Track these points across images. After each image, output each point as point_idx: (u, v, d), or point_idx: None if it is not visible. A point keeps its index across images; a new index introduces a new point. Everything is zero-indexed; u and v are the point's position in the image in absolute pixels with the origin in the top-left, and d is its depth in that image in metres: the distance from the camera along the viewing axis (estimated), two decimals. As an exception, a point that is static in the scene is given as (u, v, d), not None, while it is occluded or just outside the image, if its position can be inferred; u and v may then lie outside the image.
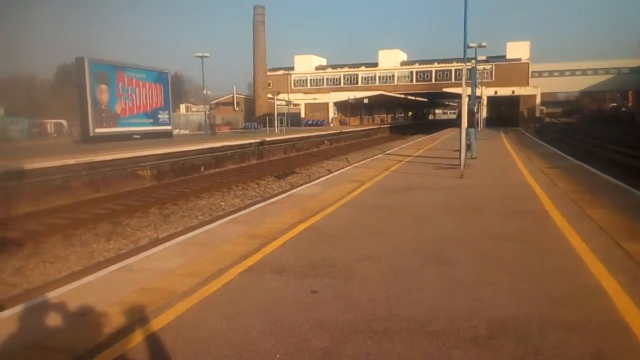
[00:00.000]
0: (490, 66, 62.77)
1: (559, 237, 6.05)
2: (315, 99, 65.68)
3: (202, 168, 20.19)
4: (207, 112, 43.22)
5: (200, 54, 42.20)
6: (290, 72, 74.53)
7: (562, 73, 70.50)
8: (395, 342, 3.34)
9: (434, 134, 39.39)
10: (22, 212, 11.45)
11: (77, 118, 26.83)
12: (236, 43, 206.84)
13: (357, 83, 71.59)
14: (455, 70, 64.05)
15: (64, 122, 43.30)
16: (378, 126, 59.08)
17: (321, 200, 9.08)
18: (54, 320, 3.87)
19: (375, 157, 19.67)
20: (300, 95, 66.92)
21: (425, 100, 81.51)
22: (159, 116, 29.86)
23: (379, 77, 71.23)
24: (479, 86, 41.15)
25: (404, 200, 8.98)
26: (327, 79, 73.65)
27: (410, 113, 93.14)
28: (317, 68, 76.05)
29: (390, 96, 66.68)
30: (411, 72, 70.00)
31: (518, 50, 63.79)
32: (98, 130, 24.72)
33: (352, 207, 8.48)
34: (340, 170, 15.02)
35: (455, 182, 11.11)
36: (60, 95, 48.45)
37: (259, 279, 4.74)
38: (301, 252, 5.62)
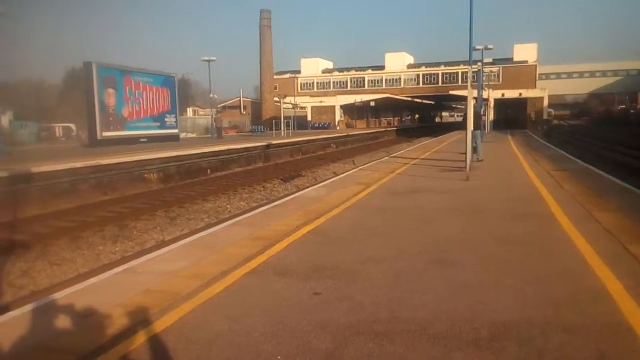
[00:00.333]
0: (498, 69, 62.56)
1: (564, 240, 6.01)
2: (322, 102, 65.78)
3: (209, 171, 20.26)
4: (214, 116, 43.38)
5: (207, 58, 42.47)
6: (297, 75, 74.68)
7: (570, 75, 70.13)
8: (397, 344, 3.33)
9: (441, 136, 39.28)
10: (30, 215, 11.54)
11: (85, 122, 27.02)
12: (243, 47, 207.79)
13: (364, 86, 71.59)
14: (462, 73, 63.83)
15: (72, 126, 43.68)
16: (385, 129, 59.03)
17: (326, 202, 9.09)
18: (59, 321, 3.90)
19: (382, 159, 19.65)
20: (307, 99, 67.01)
21: (432, 103, 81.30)
22: (166, 120, 30.02)
23: (386, 80, 71.18)
24: (486, 89, 41.10)
25: (409, 203, 8.96)
26: (334, 82, 73.72)
27: (417, 116, 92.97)
28: (323, 71, 76.15)
29: (397, 99, 66.61)
30: (418, 75, 69.91)
31: (525, 52, 63.54)
32: (106, 134, 24.90)
33: (357, 209, 8.48)
34: (347, 173, 15.02)
35: (461, 184, 11.07)
36: (68, 99, 48.86)
37: (263, 281, 4.75)
38: (305, 254, 5.63)
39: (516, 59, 64.00)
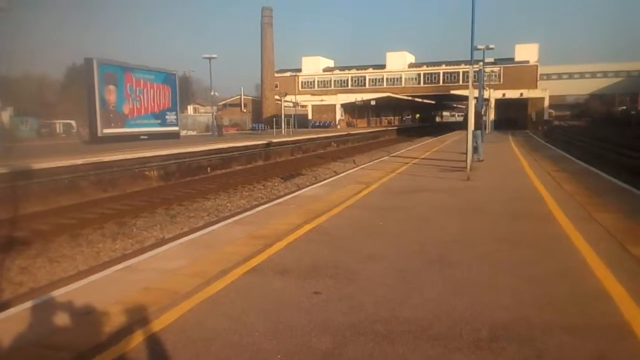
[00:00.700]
0: (499, 68, 62.52)
1: (564, 240, 6.01)
2: (322, 100, 65.77)
3: (209, 169, 20.25)
4: (214, 113, 43.40)
5: (208, 56, 42.41)
6: (298, 73, 74.64)
7: (571, 76, 70.10)
8: (397, 344, 3.33)
9: (441, 136, 39.27)
10: (30, 212, 11.54)
11: (86, 119, 27.02)
12: (244, 45, 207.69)
13: (364, 85, 71.57)
14: (463, 72, 63.83)
15: (72, 122, 43.65)
16: (385, 128, 59.03)
17: (327, 201, 9.08)
18: (58, 318, 3.89)
19: (382, 159, 19.64)
20: (308, 97, 67.03)
21: (433, 102, 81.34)
22: (167, 117, 30.01)
23: (387, 79, 71.16)
24: (487, 88, 41.05)
25: (409, 202, 8.96)
26: (335, 80, 73.70)
27: (417, 115, 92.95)
28: (324, 70, 76.12)
29: (397, 98, 66.63)
30: (419, 74, 69.88)
31: (526, 52, 63.50)
32: (106, 130, 24.89)
33: (357, 208, 8.47)
34: (347, 172, 15.02)
35: (461, 184, 11.07)
36: (69, 95, 48.78)
37: (263, 279, 4.75)
38: (305, 253, 5.62)
39: (517, 58, 63.96)
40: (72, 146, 23.95)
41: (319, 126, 59.22)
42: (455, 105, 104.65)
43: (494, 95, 53.04)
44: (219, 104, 63.82)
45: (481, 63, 34.67)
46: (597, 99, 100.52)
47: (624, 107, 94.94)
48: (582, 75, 70.07)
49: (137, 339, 3.48)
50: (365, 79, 72.13)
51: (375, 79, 71.72)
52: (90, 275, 5.18)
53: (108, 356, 3.25)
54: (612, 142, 33.18)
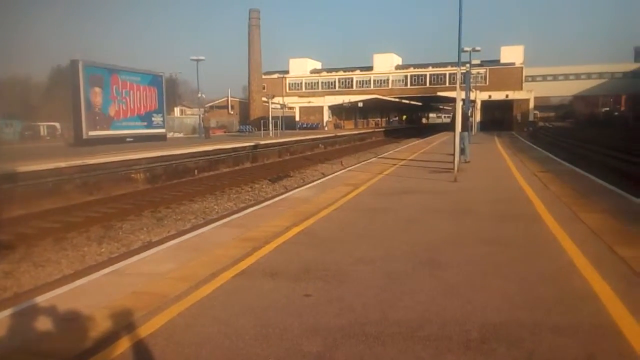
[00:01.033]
0: (485, 70, 63.10)
1: (551, 241, 6.06)
2: (310, 102, 65.81)
3: (196, 171, 20.13)
4: (201, 115, 43.13)
5: (195, 58, 42.14)
6: (285, 75, 74.60)
7: (555, 77, 70.93)
8: (388, 346, 3.32)
9: (428, 137, 39.47)
10: (14, 215, 11.35)
11: (71, 121, 26.69)
12: (231, 46, 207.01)
13: (351, 87, 71.77)
14: (450, 74, 64.27)
15: (57, 124, 43.09)
16: (372, 130, 59.19)
17: (315, 203, 9.07)
18: (43, 324, 3.82)
19: (370, 160, 19.68)
20: (295, 99, 67.02)
21: (420, 104, 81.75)
22: (153, 119, 29.77)
23: (374, 80, 71.43)
24: (473, 90, 41.37)
25: (397, 204, 8.98)
26: (322, 82, 73.79)
27: (404, 117, 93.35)
28: (312, 72, 76.16)
29: (384, 100, 66.88)
30: (406, 76, 70.26)
31: (512, 54, 64.14)
32: (91, 133, 24.62)
33: (346, 210, 8.47)
34: (335, 174, 15.01)
35: (449, 185, 11.13)
36: (54, 97, 48.18)
37: (252, 282, 4.71)
38: (294, 255, 5.60)
39: (503, 60, 64.59)
40: (57, 149, 23.62)
41: (306, 128, 59.24)
42: (441, 106, 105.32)
43: (480, 96, 53.49)
44: (206, 105, 63.46)
45: (468, 65, 34.93)
46: (581, 100, 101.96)
47: (608, 109, 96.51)
48: (566, 76, 70.95)
49: (125, 344, 3.43)
50: (352, 81, 72.32)
51: (363, 81, 71.95)
52: (76, 279, 5.11)
53: (95, 362, 3.20)
54: (596, 143, 33.64)
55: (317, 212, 8.15)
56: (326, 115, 65.57)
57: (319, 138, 37.73)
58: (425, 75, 68.93)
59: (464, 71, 28.84)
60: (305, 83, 74.50)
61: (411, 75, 69.98)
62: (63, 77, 39.77)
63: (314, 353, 3.26)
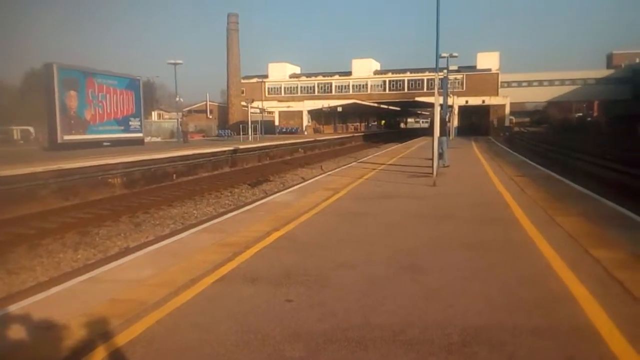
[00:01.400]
0: (462, 76, 63.97)
1: (529, 244, 6.15)
2: (289, 106, 65.76)
3: (174, 176, 19.90)
4: (179, 120, 42.71)
5: (173, 61, 41.76)
6: (264, 79, 74.42)
7: (530, 83, 72.19)
8: (370, 351, 3.32)
9: (407, 142, 39.81)
10: (-14, 222, 11.05)
11: (45, 125, 26.16)
12: (209, 51, 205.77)
13: (331, 91, 71.97)
14: (428, 79, 65.04)
15: (30, 128, 42.18)
16: (352, 134, 59.40)
17: (296, 208, 9.04)
18: (16, 334, 3.72)
19: (350, 165, 19.74)
20: (274, 103, 66.90)
21: (398, 109, 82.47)
22: (130, 123, 29.37)
23: (353, 85, 71.77)
24: (451, 95, 41.84)
25: (378, 209, 9.01)
26: (301, 87, 73.84)
27: (383, 122, 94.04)
28: (291, 76, 76.17)
29: (363, 105, 67.25)
30: (384, 81, 70.79)
31: (488, 60, 65.22)
32: (67, 137, 24.16)
33: (327, 215, 8.47)
34: (315, 178, 15.01)
35: (428, 190, 11.22)
36: (27, 101, 47.21)
37: (233, 288, 4.67)
38: (276, 260, 5.57)
39: (479, 66, 65.61)
40: (31, 153, 23.11)
41: (286, 132, 59.13)
42: (419, 111, 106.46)
43: (457, 102, 54.15)
44: (184, 110, 62.87)
45: (445, 71, 35.34)
46: (555, 106, 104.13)
47: (581, 114, 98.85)
48: (540, 83, 72.28)
49: (102, 353, 3.36)
50: (331, 86, 72.54)
51: (342, 86, 72.24)
52: (52, 287, 4.98)
53: (72, 372, 3.12)
54: (569, 147, 34.38)
55: (298, 217, 8.13)
56: (305, 120, 65.58)
57: (299, 142, 37.70)
58: (404, 81, 69.57)
59: (442, 77, 29.14)
60: (285, 87, 74.47)
61: (389, 81, 70.55)
62: (37, 80, 39.04)
63: (296, 358, 3.24)
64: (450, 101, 39.16)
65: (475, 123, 59.55)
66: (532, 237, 6.49)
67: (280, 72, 75.21)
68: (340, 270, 5.15)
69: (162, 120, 65.64)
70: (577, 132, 65.98)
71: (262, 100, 58.84)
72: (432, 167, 12.66)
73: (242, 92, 64.46)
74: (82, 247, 9.61)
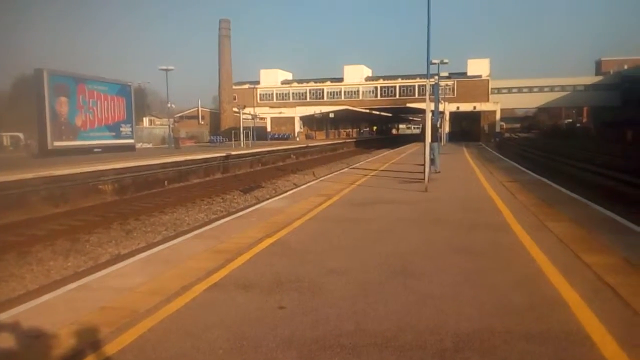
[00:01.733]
0: (452, 82, 64.33)
1: (520, 249, 6.18)
2: (281, 113, 65.76)
3: (166, 182, 19.82)
4: (171, 126, 42.56)
5: (164, 67, 41.66)
6: (256, 86, 74.39)
7: (520, 90, 72.73)
8: (363, 357, 3.31)
9: (399, 148, 39.94)
10: (-26, 229, 10.93)
11: (35, 131, 25.96)
12: (201, 56, 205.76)
13: (322, 98, 72.10)
14: (419, 85, 65.37)
15: (20, 135, 41.82)
16: (344, 140, 59.53)
17: (288, 214, 9.03)
18: (5, 342, 3.67)
19: (342, 171, 19.76)
20: (266, 109, 66.88)
21: (390, 115, 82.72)
22: (122, 129, 29.23)
23: (345, 92, 71.96)
24: (442, 102, 42.09)
25: (370, 214, 9.02)
26: (293, 93, 73.93)
27: (375, 127, 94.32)
28: (283, 82, 76.24)
29: (355, 111, 67.39)
30: (376, 88, 71.04)
31: (478, 67, 65.68)
32: (57, 143, 24.00)
33: (319, 221, 8.46)
34: (307, 184, 15.01)
35: (420, 195, 11.25)
36: (17, 107, 46.82)
37: (225, 295, 4.64)
38: (268, 267, 5.55)
39: (470, 73, 66.03)
40: (21, 160, 22.92)
41: (278, 138, 59.12)
42: (411, 117, 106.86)
43: (448, 108, 54.45)
44: (176, 116, 62.66)
45: (437, 77, 35.56)
46: (545, 112, 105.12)
47: (570, 120, 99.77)
48: (530, 89, 72.86)
49: (94, 361, 3.32)
50: (323, 92, 72.69)
51: (333, 92, 72.40)
52: (41, 295, 4.93)
53: (62, 381, 3.09)
54: (559, 153, 34.67)
55: (290, 223, 8.12)
56: (297, 126, 65.61)
57: (291, 148, 37.71)
58: (395, 87, 69.87)
59: (433, 83, 29.36)
60: (277, 94, 74.51)
61: (381, 87, 70.81)
62: (27, 86, 38.72)
63: (289, 366, 3.22)
64: (441, 107, 39.40)
65: (467, 129, 59.93)
66: (524, 242, 6.53)
67: (272, 79, 75.27)
68: (332, 277, 5.14)
69: (154, 126, 65.29)
70: (566, 138, 66.51)
71: (254, 107, 58.83)
72: (424, 172, 12.70)
73: (234, 98, 64.43)
74: (72, 254, 9.53)
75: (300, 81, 76.70)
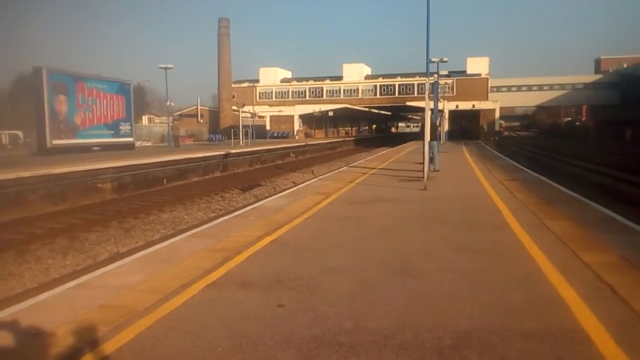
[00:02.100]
0: (452, 81, 64.28)
1: (519, 248, 6.19)
2: (280, 111, 65.70)
3: (165, 181, 19.81)
4: (170, 124, 42.53)
5: (164, 66, 41.61)
6: (256, 84, 74.37)
7: (519, 88, 72.66)
8: (362, 355, 3.32)
9: (398, 146, 39.92)
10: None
11: (34, 129, 25.94)
12: (201, 55, 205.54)
13: (322, 96, 72.04)
14: (418, 84, 65.35)
15: (19, 133, 41.77)
16: (343, 139, 59.51)
17: (287, 212, 9.03)
18: (4, 341, 3.67)
19: (341, 169, 19.76)
20: (266, 108, 66.81)
21: (389, 113, 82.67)
22: (121, 128, 29.21)
23: (344, 90, 71.90)
24: (441, 100, 42.08)
25: (369, 213, 9.02)
26: (293, 91, 73.86)
27: (374, 126, 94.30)
28: (282, 81, 76.16)
29: (354, 109, 67.37)
30: (375, 86, 71.00)
31: (478, 65, 65.60)
32: (56, 141, 23.98)
33: (318, 219, 8.46)
34: (306, 183, 15.00)
35: (419, 194, 11.25)
36: (16, 105, 46.76)
37: (224, 293, 4.64)
38: (267, 265, 5.55)
39: (469, 71, 65.95)
40: (20, 158, 22.91)
41: (277, 137, 59.12)
42: (410, 116, 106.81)
43: (447, 106, 54.43)
44: (175, 114, 62.56)
45: (436, 75, 35.52)
46: (544, 111, 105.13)
47: (569, 119, 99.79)
48: (529, 87, 72.79)
49: (92, 360, 3.33)
50: (322, 90, 72.62)
51: (333, 90, 72.35)
52: (40, 293, 4.92)
53: (61, 379, 3.09)
54: (558, 151, 34.69)
55: (289, 222, 8.12)
56: (297, 124, 65.60)
57: (290, 147, 37.69)
58: (394, 85, 69.83)
59: (432, 81, 29.38)
60: (276, 92, 74.43)
61: (380, 85, 70.77)
62: (26, 85, 38.66)
63: (287, 364, 3.22)
64: (440, 106, 39.39)
65: (466, 127, 59.93)
66: (522, 240, 6.53)
67: (271, 77, 75.20)
68: (331, 275, 5.15)
69: (153, 124, 65.26)
70: (566, 137, 66.60)
71: (253, 105, 58.83)
72: (423, 171, 12.70)
73: (234, 97, 64.37)
74: (71, 252, 9.52)
75: (299, 79, 76.62)
